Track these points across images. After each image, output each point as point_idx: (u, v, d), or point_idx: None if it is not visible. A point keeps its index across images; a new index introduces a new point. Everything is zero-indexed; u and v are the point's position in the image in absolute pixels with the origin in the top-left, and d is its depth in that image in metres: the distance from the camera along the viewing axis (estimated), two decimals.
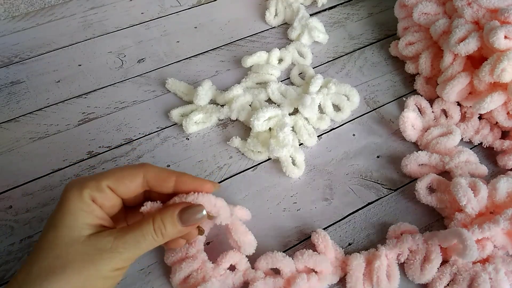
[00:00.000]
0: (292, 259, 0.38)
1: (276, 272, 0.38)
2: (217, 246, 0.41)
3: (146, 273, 0.40)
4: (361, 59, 0.57)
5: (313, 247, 0.39)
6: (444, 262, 0.39)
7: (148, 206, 0.32)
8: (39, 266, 0.28)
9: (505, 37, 0.43)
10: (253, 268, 0.38)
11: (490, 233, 0.38)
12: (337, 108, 0.51)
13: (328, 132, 0.50)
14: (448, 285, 0.38)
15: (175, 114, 0.49)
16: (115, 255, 0.28)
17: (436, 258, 0.38)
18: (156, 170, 0.31)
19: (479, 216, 0.40)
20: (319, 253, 0.39)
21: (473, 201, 0.40)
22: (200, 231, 0.35)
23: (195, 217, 0.30)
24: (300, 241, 0.41)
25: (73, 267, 0.27)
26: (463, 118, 0.49)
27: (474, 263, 0.38)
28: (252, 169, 0.47)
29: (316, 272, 0.38)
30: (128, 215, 0.34)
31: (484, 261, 0.38)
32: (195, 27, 0.60)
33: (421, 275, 0.38)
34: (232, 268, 0.38)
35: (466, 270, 0.38)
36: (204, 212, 0.31)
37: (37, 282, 0.27)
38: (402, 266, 0.39)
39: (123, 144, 0.48)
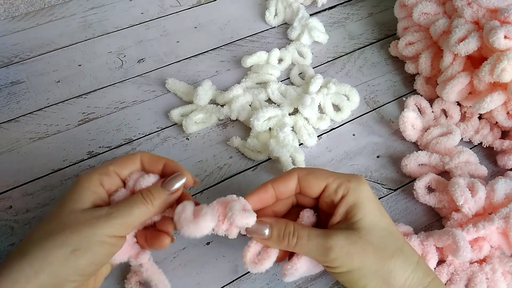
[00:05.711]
0: None
1: None
2: (217, 246, 0.41)
3: None
4: (361, 59, 0.57)
5: None
6: (442, 262, 0.39)
7: None
8: (41, 230, 0.31)
9: (505, 37, 0.43)
10: None
11: (485, 231, 0.38)
12: (337, 108, 0.51)
13: (328, 132, 0.50)
14: (445, 284, 0.38)
15: (175, 114, 0.49)
16: (109, 220, 0.31)
17: (432, 258, 0.38)
18: (149, 155, 0.36)
19: (476, 216, 0.40)
20: None
21: (470, 201, 0.40)
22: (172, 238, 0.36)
23: (176, 183, 0.34)
24: None
25: (71, 229, 0.30)
26: (463, 118, 0.49)
27: (471, 263, 0.38)
28: (252, 169, 0.47)
29: None
30: None
31: (481, 261, 0.39)
32: (195, 27, 0.60)
33: None
34: None
35: (463, 270, 0.38)
36: (183, 180, 0.34)
37: (37, 242, 0.30)
38: None
39: (123, 144, 0.48)
